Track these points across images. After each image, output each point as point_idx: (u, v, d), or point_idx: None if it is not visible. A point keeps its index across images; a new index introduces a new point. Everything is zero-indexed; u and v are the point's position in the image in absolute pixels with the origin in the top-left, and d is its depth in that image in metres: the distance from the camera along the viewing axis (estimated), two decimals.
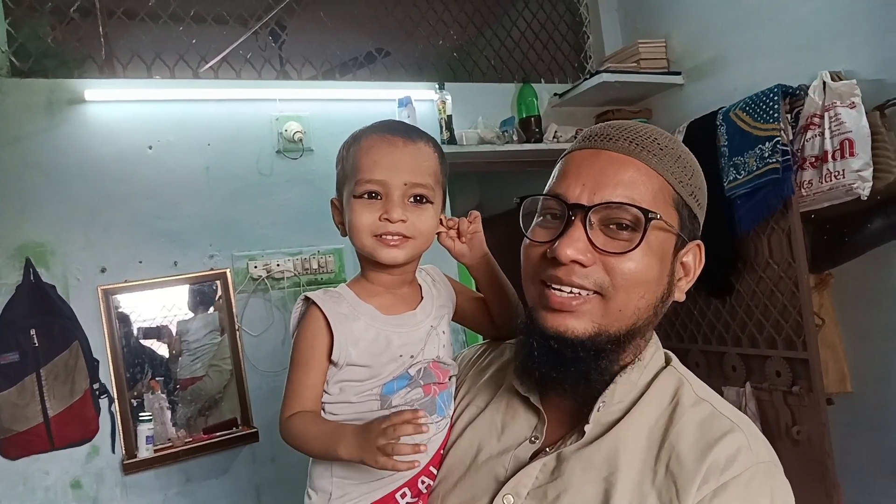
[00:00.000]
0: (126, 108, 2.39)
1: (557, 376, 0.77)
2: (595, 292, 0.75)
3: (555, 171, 0.83)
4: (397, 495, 0.86)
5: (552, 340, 0.76)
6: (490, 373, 0.96)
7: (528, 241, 0.82)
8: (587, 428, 0.77)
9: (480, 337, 1.09)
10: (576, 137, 0.90)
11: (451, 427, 0.92)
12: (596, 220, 0.75)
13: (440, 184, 0.91)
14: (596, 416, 0.77)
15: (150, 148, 2.42)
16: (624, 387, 0.79)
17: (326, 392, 0.88)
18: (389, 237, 0.85)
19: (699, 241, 0.81)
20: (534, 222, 0.83)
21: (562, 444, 0.79)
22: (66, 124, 2.29)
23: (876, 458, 2.33)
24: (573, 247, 0.74)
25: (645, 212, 0.74)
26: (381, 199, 0.86)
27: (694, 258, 0.81)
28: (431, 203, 0.89)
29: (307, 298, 0.89)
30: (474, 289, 1.05)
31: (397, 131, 0.89)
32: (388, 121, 0.93)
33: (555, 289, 0.76)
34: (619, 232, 0.75)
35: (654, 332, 0.86)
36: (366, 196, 0.86)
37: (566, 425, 0.81)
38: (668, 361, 0.84)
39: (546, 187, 0.83)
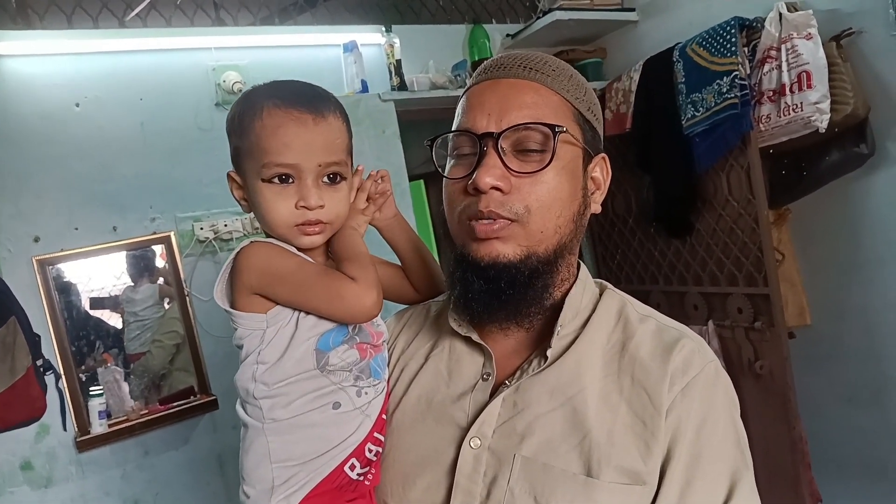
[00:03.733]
0: (47, 62, 2.19)
1: (498, 304, 0.78)
2: (512, 220, 0.76)
3: (458, 110, 0.84)
4: (346, 468, 0.80)
5: (489, 269, 0.77)
6: (422, 331, 0.93)
7: (446, 180, 0.83)
8: (549, 352, 0.78)
9: None
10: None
11: (392, 391, 0.89)
12: (507, 145, 0.77)
13: (351, 153, 0.87)
14: (556, 341, 0.78)
15: (78, 105, 2.23)
16: (571, 310, 0.81)
17: (262, 363, 0.80)
18: (309, 226, 0.81)
19: (603, 154, 0.85)
20: (448, 164, 0.84)
21: (521, 374, 0.79)
22: None
23: (832, 388, 2.40)
24: (490, 174, 0.75)
25: (551, 126, 0.76)
26: (293, 181, 0.80)
27: (602, 171, 0.85)
28: (345, 179, 0.85)
29: (254, 241, 0.83)
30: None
31: (304, 105, 0.80)
32: (287, 86, 0.83)
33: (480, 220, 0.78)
34: (531, 154, 0.77)
35: (581, 261, 0.87)
36: (276, 180, 0.80)
37: (516, 357, 0.82)
38: (603, 287, 0.88)
39: (453, 126, 0.84)
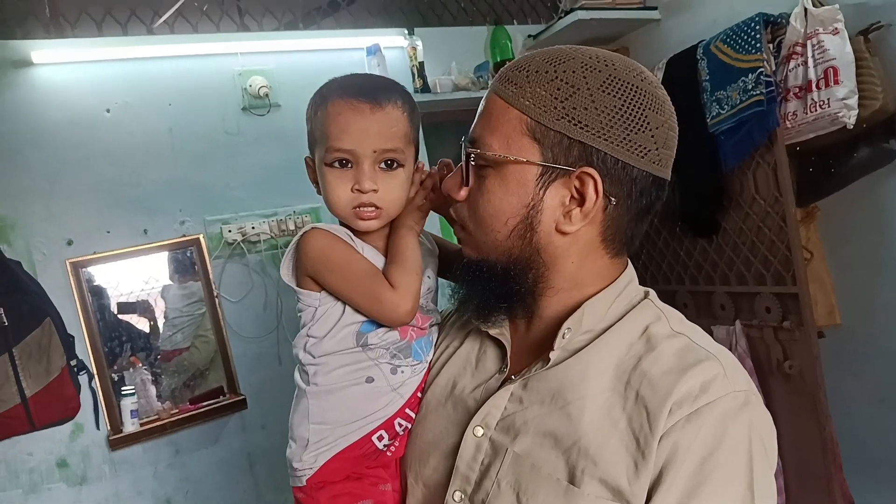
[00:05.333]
0: (78, 69, 2.24)
1: (467, 298, 0.84)
2: (461, 226, 0.84)
3: None
4: (374, 437, 0.88)
5: (464, 266, 0.84)
6: (465, 318, 0.94)
7: None
8: (552, 354, 0.77)
9: None
10: None
11: (431, 369, 0.94)
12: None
13: (412, 142, 0.91)
14: (561, 343, 0.77)
15: (108, 111, 2.28)
16: (592, 315, 0.79)
17: (311, 336, 0.89)
18: (364, 209, 0.87)
19: (588, 169, 0.73)
20: None
21: (527, 371, 0.79)
22: (13, 89, 2.15)
23: (863, 388, 2.36)
24: (447, 182, 0.84)
25: (468, 145, 0.79)
26: (351, 166, 0.87)
27: (587, 186, 0.74)
28: (403, 166, 0.89)
29: (315, 228, 0.90)
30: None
31: (364, 95, 0.86)
32: (354, 78, 0.91)
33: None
34: (476, 169, 0.80)
35: (630, 264, 0.85)
36: (336, 164, 0.87)
37: (532, 354, 0.82)
38: (645, 296, 0.83)
39: None
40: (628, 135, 0.73)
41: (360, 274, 0.86)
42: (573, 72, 0.73)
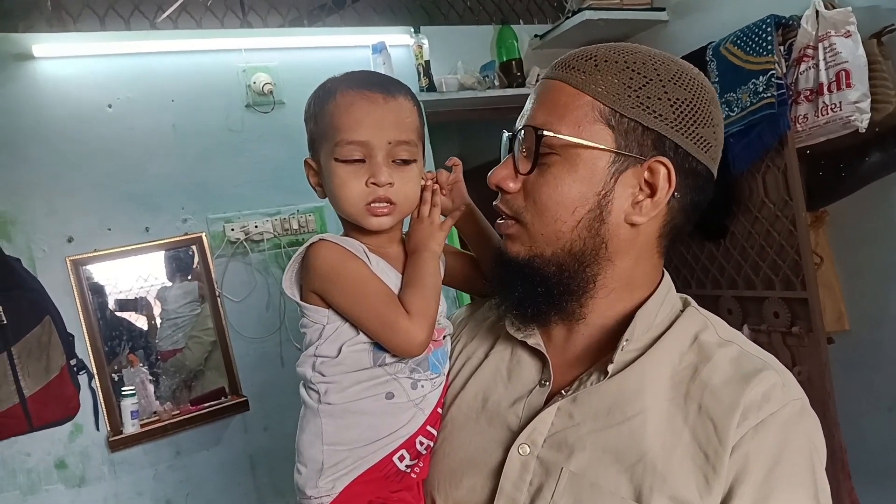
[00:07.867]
0: (80, 63, 2.21)
1: (515, 299, 0.79)
2: (515, 219, 0.78)
3: None
4: (395, 458, 0.82)
5: (508, 265, 0.79)
6: (486, 326, 0.92)
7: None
8: (611, 367, 0.74)
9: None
10: None
11: (450, 384, 0.89)
12: (524, 147, 0.77)
13: (421, 138, 0.87)
14: (619, 355, 0.74)
15: (110, 106, 2.25)
16: (643, 325, 0.76)
17: (320, 356, 0.83)
18: (378, 205, 0.82)
19: (662, 158, 0.73)
20: None
21: (579, 385, 0.76)
22: (14, 83, 2.11)
23: (871, 395, 2.34)
24: (496, 173, 0.79)
25: (535, 129, 0.74)
26: (364, 161, 0.81)
27: (658, 176, 0.73)
28: (415, 161, 0.85)
29: (324, 240, 0.83)
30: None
31: (376, 86, 0.83)
32: (361, 73, 0.86)
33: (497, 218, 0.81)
34: (531, 157, 0.76)
35: (666, 271, 0.83)
36: (348, 159, 0.81)
37: (577, 366, 0.79)
38: (686, 304, 0.82)
39: None
40: (696, 129, 0.74)
41: (374, 297, 0.80)
42: (643, 63, 0.74)
